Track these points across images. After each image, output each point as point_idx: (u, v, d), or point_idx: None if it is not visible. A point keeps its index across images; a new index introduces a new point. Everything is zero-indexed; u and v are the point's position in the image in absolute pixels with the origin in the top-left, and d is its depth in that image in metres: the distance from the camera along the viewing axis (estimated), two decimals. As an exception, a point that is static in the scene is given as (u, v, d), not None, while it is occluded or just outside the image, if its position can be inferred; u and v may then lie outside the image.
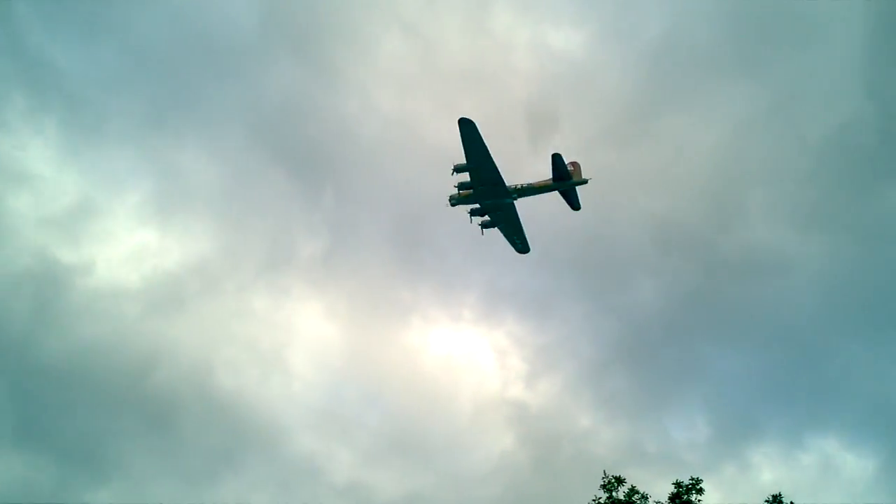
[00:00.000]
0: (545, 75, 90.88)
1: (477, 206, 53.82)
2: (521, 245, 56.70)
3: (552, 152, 51.64)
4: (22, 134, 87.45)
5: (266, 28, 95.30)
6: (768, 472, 74.75)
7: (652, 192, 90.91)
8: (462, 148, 50.80)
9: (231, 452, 78.48)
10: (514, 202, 54.00)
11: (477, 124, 49.83)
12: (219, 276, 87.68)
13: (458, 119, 49.65)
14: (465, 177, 52.77)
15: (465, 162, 51.61)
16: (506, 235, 56.18)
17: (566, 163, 52.90)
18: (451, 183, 52.87)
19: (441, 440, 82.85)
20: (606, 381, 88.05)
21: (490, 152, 50.94)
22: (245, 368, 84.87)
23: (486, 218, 54.64)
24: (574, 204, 53.90)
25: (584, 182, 53.22)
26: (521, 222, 55.31)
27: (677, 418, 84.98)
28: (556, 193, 53.71)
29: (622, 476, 31.90)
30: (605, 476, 31.84)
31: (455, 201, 53.72)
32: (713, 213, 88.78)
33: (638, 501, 31.11)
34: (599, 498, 31.39)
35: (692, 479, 31.18)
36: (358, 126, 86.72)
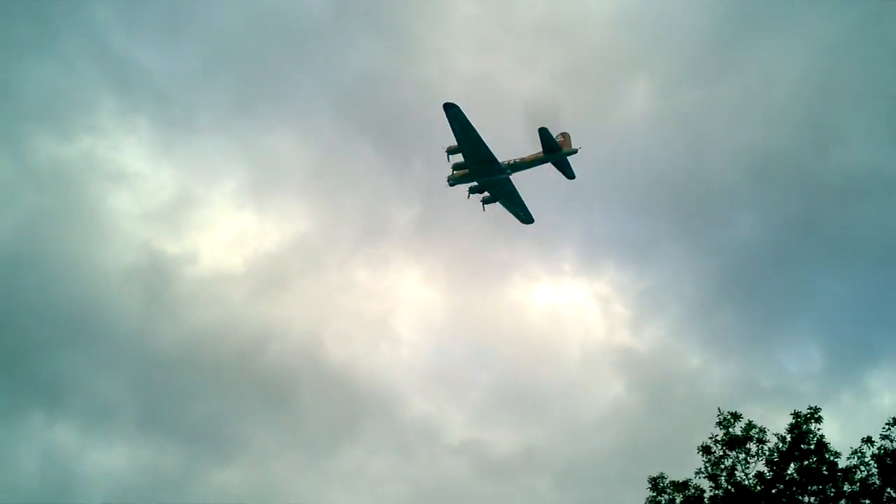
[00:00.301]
0: (622, 20, 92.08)
1: (475, 183, 56.58)
2: (523, 216, 59.04)
3: (539, 127, 53.73)
4: (116, 135, 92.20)
5: (339, 4, 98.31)
6: (888, 397, 73.90)
7: (744, 124, 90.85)
8: (451, 131, 53.73)
9: (348, 421, 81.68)
10: (510, 177, 56.47)
11: (461, 107, 52.57)
12: (319, 253, 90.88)
13: (442, 104, 52.52)
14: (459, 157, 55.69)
15: (456, 144, 54.44)
16: (508, 209, 58.62)
17: (556, 135, 54.98)
18: (447, 165, 55.80)
19: (552, 392, 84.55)
20: (713, 320, 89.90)
21: (478, 132, 53.57)
22: (353, 339, 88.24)
23: (486, 194, 57.32)
24: (568, 173, 55.74)
25: (574, 152, 54.91)
26: (521, 195, 57.83)
27: (790, 350, 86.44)
28: (549, 165, 55.90)
29: (737, 412, 31.23)
30: (720, 413, 31.28)
31: (453, 181, 56.52)
32: (809, 139, 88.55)
33: (755, 435, 30.57)
34: (716, 435, 30.97)
35: (810, 408, 30.13)
36: (439, 90, 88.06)
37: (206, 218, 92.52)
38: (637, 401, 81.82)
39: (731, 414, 31.18)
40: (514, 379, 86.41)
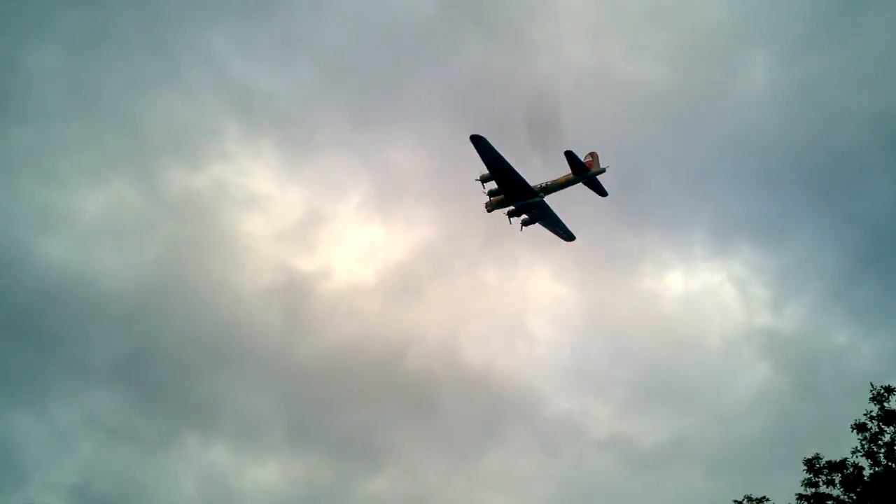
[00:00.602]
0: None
1: (512, 207, 59.26)
2: (564, 234, 61.11)
3: (565, 150, 55.80)
4: (243, 160, 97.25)
5: (444, 10, 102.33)
6: None
7: (871, 89, 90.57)
8: (481, 160, 56.79)
9: (491, 423, 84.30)
10: (544, 199, 58.82)
11: (488, 138, 55.46)
12: (447, 257, 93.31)
13: (469, 136, 55.63)
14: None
15: (487, 172, 57.42)
16: (548, 228, 60.85)
17: (584, 156, 56.95)
18: (481, 192, 58.75)
19: (695, 380, 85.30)
20: (858, 293, 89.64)
21: (506, 159, 56.37)
22: (489, 340, 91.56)
23: (525, 217, 59.91)
24: (600, 191, 57.56)
25: (602, 171, 56.49)
26: (558, 215, 59.95)
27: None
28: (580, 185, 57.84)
29: (892, 385, 30.39)
30: (873, 388, 30.44)
31: (490, 207, 59.15)
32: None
33: (914, 407, 29.64)
34: (871, 411, 30.16)
35: (969, 375, 29.72)
36: (552, 85, 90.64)
37: (335, 233, 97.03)
38: (784, 383, 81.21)
39: (885, 388, 30.31)
40: (654, 370, 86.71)
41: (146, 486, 78.04)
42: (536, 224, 60.12)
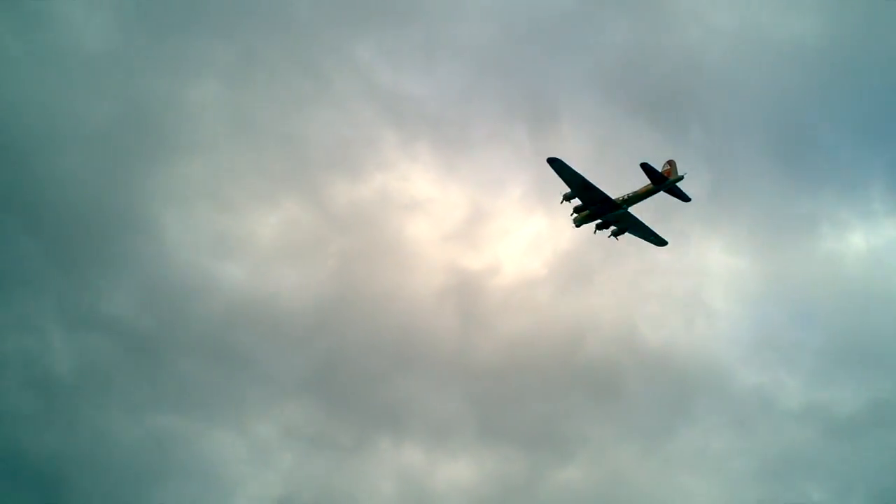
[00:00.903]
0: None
1: (599, 221, 61.88)
2: (655, 240, 62.73)
3: (640, 162, 57.81)
4: (401, 166, 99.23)
5: None
6: None
7: None
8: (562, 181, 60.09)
9: (678, 403, 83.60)
10: (628, 210, 60.89)
11: (566, 160, 58.81)
12: (615, 241, 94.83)
13: (546, 159, 59.09)
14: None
15: (569, 190, 60.54)
16: (639, 237, 62.84)
17: (660, 166, 58.55)
18: (565, 208, 62.00)
19: (890, 340, 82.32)
20: None
21: (585, 177, 59.26)
22: (667, 320, 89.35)
23: (614, 227, 62.29)
24: (683, 197, 58.86)
25: (681, 178, 57.89)
26: (646, 223, 61.77)
27: None
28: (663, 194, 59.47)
29: None
30: None
31: (578, 222, 62.02)
32: None
33: None
34: None
35: None
36: (702, 53, 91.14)
37: (500, 228, 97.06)
38: None
39: None
40: (844, 333, 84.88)
41: (346, 491, 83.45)
42: (627, 233, 62.37)
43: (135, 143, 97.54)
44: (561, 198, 61.04)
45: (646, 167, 57.50)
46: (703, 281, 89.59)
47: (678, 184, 58.37)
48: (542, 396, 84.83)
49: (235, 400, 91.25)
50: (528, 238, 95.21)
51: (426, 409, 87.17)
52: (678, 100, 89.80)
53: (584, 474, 78.99)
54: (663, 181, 58.13)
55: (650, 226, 61.91)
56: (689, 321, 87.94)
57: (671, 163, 58.63)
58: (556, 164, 58.49)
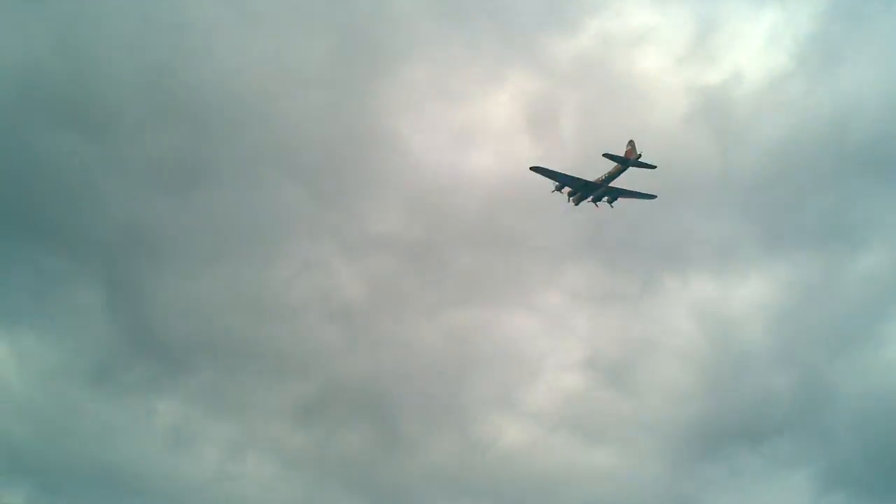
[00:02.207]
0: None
1: (591, 197, 73.88)
2: (645, 196, 73.83)
3: (602, 153, 68.88)
4: (613, 4, 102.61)
5: None
6: None
7: None
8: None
9: None
10: (609, 185, 72.25)
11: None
12: None
13: (529, 168, 71.67)
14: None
15: (556, 183, 72.91)
16: (630, 197, 74.17)
17: (623, 151, 69.18)
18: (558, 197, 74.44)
19: None
20: None
21: (565, 173, 71.32)
22: None
23: (607, 198, 74.04)
24: (649, 166, 69.42)
25: (639, 156, 68.44)
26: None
27: None
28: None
29: None
30: None
31: (577, 202, 74.40)
32: None
33: None
34: None
35: None
36: None
37: (731, 33, 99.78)
38: None
39: None
40: None
41: (646, 338, 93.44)
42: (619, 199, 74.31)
43: (355, 63, 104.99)
44: (552, 188, 73.67)
45: (609, 156, 68.77)
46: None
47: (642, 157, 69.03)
48: (818, 192, 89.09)
49: (516, 280, 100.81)
50: (764, 34, 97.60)
51: (703, 238, 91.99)
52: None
53: (884, 258, 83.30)
54: (626, 160, 69.09)
55: (635, 189, 73.29)
56: None
57: (631, 143, 69.21)
58: (537, 170, 71.23)
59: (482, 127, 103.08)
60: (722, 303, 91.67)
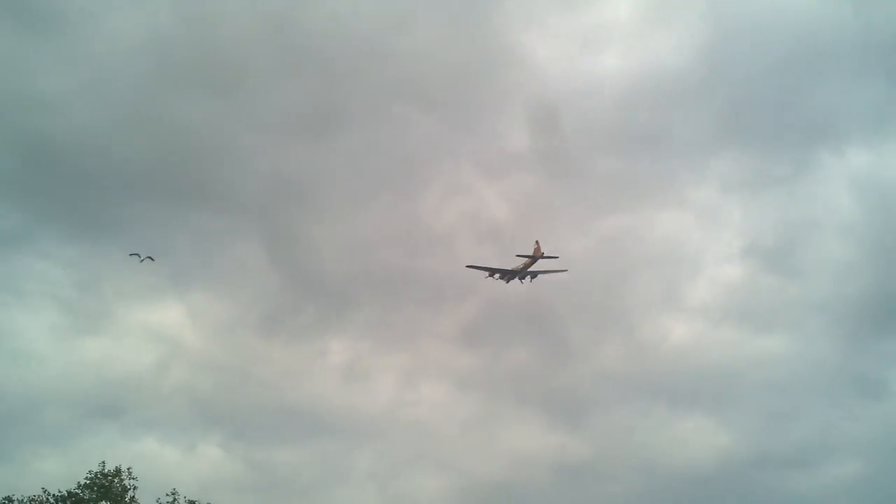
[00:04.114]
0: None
1: (517, 279, 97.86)
2: (559, 272, 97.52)
3: (516, 254, 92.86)
4: None
5: None
6: None
7: None
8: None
9: None
10: (528, 270, 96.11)
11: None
12: None
13: (465, 266, 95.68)
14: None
15: (488, 273, 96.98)
16: (546, 273, 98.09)
17: (534, 247, 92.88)
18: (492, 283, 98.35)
19: None
20: None
21: (492, 266, 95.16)
22: None
23: (528, 278, 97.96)
24: (552, 258, 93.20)
25: (542, 254, 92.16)
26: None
27: None
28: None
29: None
30: None
31: (508, 281, 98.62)
32: None
33: None
34: None
35: None
36: None
37: None
38: None
39: None
40: None
41: (806, 219, 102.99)
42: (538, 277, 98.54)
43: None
44: (486, 275, 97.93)
45: (521, 256, 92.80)
46: None
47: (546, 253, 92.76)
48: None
49: (663, 178, 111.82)
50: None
51: (855, 108, 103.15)
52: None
53: None
54: (535, 257, 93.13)
55: (548, 269, 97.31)
56: None
57: (538, 243, 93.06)
58: (472, 268, 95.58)
59: (607, 29, 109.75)
60: (880, 172, 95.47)
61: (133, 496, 49.51)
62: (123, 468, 50.23)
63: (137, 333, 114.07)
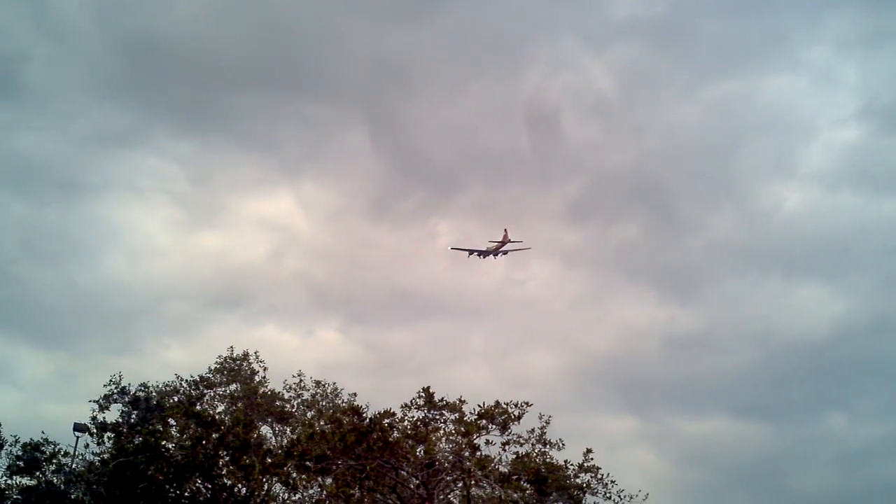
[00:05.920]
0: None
1: (491, 256, 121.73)
2: (523, 249, 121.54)
3: (488, 241, 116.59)
4: None
5: None
6: None
7: None
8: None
9: None
10: (500, 249, 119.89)
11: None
12: None
13: (449, 249, 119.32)
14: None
15: (467, 252, 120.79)
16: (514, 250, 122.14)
17: (502, 234, 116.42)
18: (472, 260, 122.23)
19: None
20: None
21: (471, 248, 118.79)
22: None
23: (501, 255, 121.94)
24: (517, 242, 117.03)
25: (510, 240, 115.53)
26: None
27: None
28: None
29: None
30: None
31: (483, 257, 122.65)
32: None
33: None
34: None
35: None
36: None
37: None
38: None
39: None
40: None
41: None
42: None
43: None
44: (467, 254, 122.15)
45: (492, 242, 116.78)
46: None
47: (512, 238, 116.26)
48: None
49: (773, 39, 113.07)
50: None
51: None
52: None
53: None
54: (503, 242, 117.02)
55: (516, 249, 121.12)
56: None
57: (506, 230, 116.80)
58: (455, 250, 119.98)
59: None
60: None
61: (264, 377, 50.07)
62: (250, 353, 50.71)
63: (251, 224, 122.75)
